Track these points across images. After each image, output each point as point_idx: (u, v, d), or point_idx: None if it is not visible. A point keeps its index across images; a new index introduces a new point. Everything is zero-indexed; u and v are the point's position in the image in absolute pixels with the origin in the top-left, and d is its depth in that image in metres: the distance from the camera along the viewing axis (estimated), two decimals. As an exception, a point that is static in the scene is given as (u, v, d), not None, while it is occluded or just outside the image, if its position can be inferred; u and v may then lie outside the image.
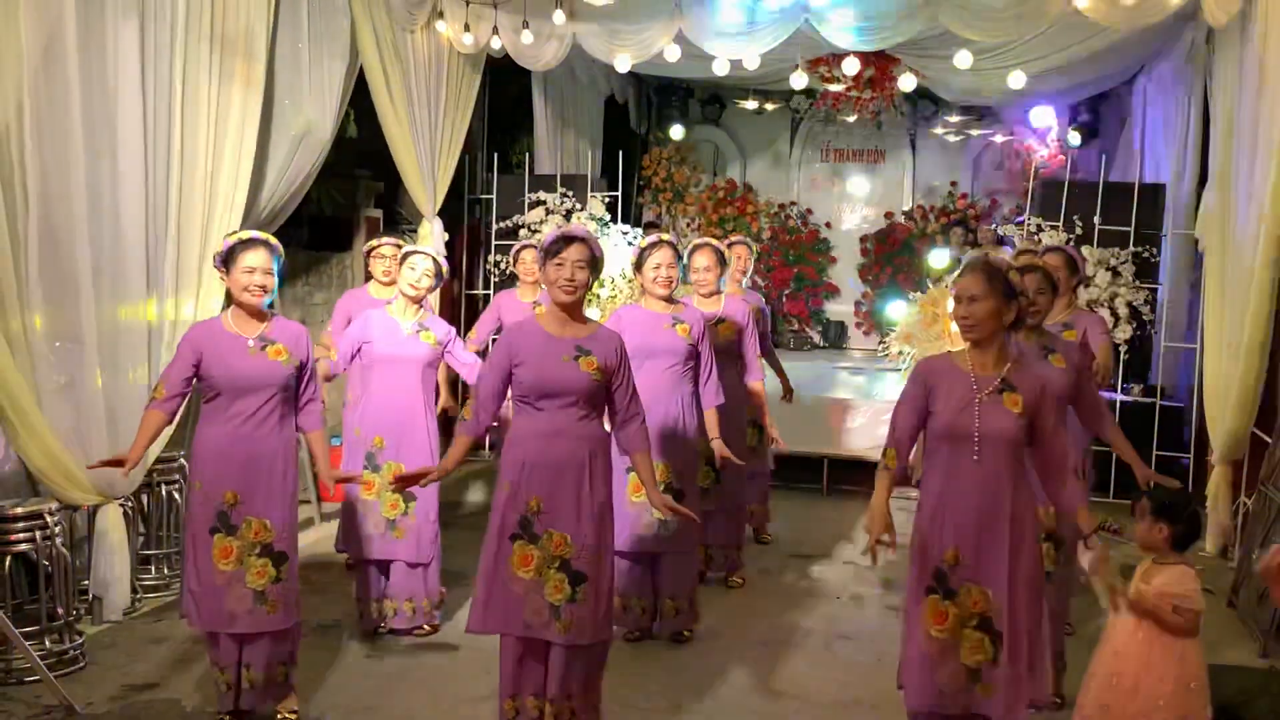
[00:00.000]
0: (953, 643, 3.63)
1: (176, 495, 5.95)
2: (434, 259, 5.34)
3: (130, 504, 5.65)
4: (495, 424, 4.21)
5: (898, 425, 3.80)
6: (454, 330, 5.48)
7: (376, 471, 5.22)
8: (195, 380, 4.23)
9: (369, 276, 6.80)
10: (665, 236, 5.32)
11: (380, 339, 5.22)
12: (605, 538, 4.01)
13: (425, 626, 5.36)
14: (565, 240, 3.97)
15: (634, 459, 4.17)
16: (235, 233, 4.39)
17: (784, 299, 12.11)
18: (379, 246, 6.54)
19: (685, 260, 5.66)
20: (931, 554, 3.67)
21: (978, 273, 3.65)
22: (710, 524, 5.92)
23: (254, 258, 4.17)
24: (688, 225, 12.32)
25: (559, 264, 3.95)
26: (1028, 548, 3.64)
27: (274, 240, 4.27)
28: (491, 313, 7.10)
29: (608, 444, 4.10)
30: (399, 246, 6.24)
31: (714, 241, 6.01)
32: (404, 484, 4.29)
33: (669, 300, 5.25)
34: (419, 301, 5.32)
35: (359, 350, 5.28)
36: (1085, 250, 8.31)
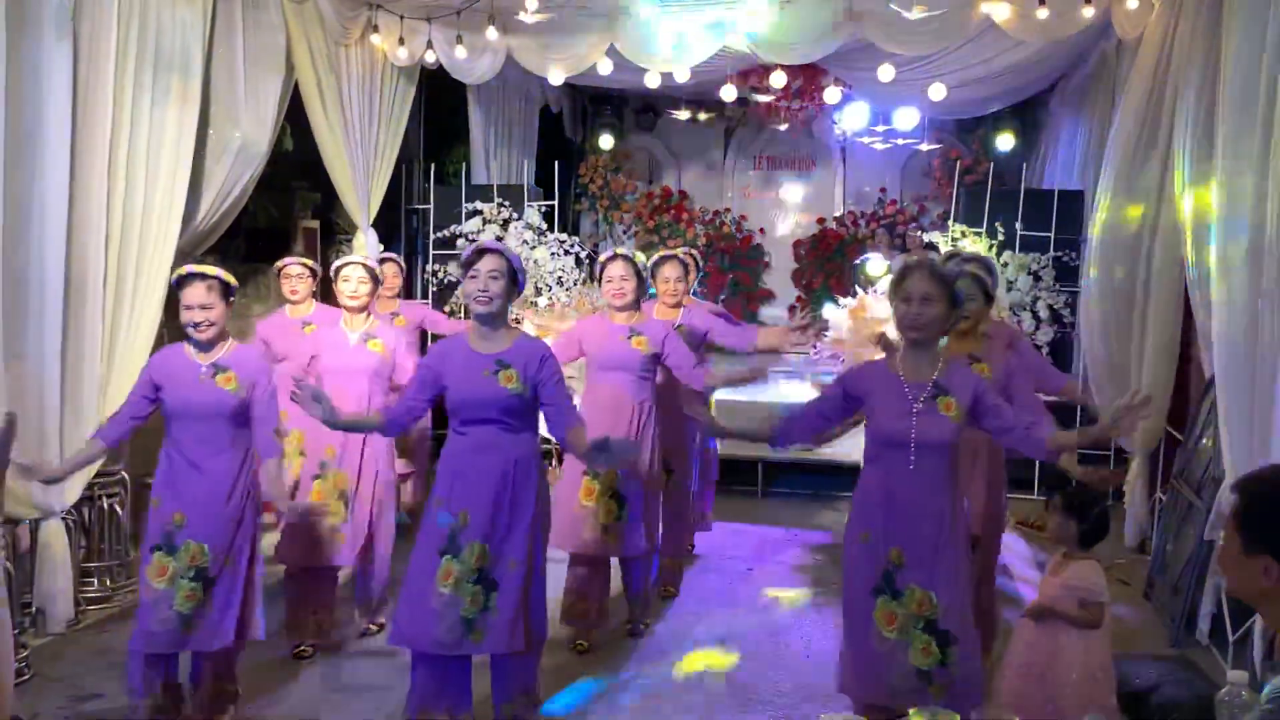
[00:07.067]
0: (903, 643, 3.62)
1: (118, 509, 5.98)
2: (363, 265, 5.41)
3: (72, 517, 5.66)
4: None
5: (807, 408, 3.96)
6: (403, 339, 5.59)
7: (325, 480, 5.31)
8: (155, 405, 4.29)
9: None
10: (620, 250, 5.45)
11: (327, 351, 5.30)
12: (529, 549, 4.06)
13: (372, 627, 5.50)
14: (478, 253, 4.05)
15: (576, 448, 4.07)
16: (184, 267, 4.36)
17: (720, 304, 12.25)
18: (285, 267, 6.47)
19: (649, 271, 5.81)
20: (877, 555, 3.68)
21: (932, 276, 3.65)
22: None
23: (190, 294, 4.20)
24: (624, 232, 12.45)
25: (473, 276, 4.01)
26: (960, 547, 3.69)
27: (212, 271, 4.27)
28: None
29: (537, 457, 4.16)
30: (305, 265, 6.34)
31: (678, 252, 6.15)
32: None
33: (629, 311, 5.40)
34: (364, 310, 5.39)
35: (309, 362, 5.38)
36: (1007, 255, 8.57)
